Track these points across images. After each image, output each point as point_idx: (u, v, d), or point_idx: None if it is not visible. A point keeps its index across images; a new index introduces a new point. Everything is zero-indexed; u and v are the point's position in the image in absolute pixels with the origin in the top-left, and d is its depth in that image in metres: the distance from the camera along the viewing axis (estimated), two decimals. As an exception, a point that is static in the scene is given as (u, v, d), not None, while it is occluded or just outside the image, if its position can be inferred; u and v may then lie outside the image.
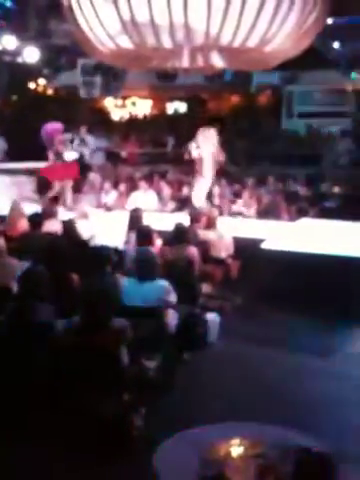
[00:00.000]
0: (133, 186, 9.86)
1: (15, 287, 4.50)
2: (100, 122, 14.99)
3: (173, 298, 4.67)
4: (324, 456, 2.35)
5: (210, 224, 6.51)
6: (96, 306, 3.77)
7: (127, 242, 6.16)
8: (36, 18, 11.69)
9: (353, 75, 12.52)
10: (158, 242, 5.93)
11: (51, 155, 9.09)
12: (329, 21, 11.36)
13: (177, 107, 18.25)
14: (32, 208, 7.16)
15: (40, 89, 15.70)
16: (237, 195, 9.51)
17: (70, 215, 7.17)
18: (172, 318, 4.70)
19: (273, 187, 9.80)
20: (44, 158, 11.40)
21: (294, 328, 5.64)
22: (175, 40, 6.71)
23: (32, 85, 15.36)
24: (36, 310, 3.98)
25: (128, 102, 17.94)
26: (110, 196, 9.61)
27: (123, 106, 18.01)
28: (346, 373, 4.80)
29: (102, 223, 7.31)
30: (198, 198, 8.41)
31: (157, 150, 15.37)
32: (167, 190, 9.59)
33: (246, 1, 6.29)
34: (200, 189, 8.45)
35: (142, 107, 18.15)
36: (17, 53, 11.88)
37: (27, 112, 14.05)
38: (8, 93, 14.54)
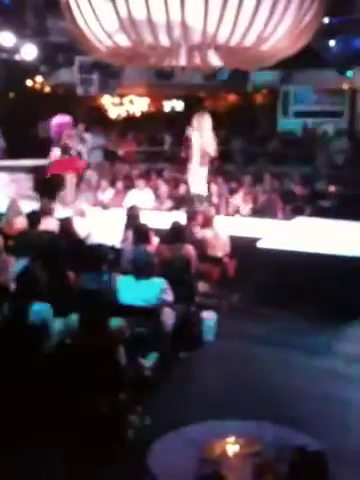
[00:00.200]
0: (130, 184, 9.86)
1: (12, 285, 4.51)
2: (97, 120, 14.97)
3: (170, 297, 4.68)
4: (319, 455, 2.37)
5: (207, 223, 6.52)
6: (93, 305, 3.78)
7: (124, 240, 6.17)
8: (33, 15, 11.65)
9: (349, 74, 12.52)
10: (155, 240, 5.94)
11: (57, 149, 8.99)
12: (325, 20, 11.38)
13: (174, 105, 18.24)
14: (30, 206, 7.15)
15: (37, 86, 15.66)
16: (233, 193, 9.52)
17: (68, 212, 7.17)
18: (169, 317, 4.71)
19: (269, 186, 9.81)
20: (41, 155, 11.38)
21: (290, 327, 5.66)
22: (172, 38, 6.70)
23: (29, 82, 15.32)
24: (33, 309, 3.98)
25: (125, 100, 17.91)
26: (107, 194, 9.60)
27: (120, 104, 17.98)
28: (343, 372, 4.82)
29: (99, 221, 7.31)
30: (197, 185, 8.40)
31: (154, 148, 15.36)
32: (164, 188, 9.58)
33: (243, 0, 6.30)
34: (198, 177, 8.43)
35: (139, 105, 18.13)
36: (14, 50, 11.84)
37: (24, 109, 14.02)
38: (5, 90, 14.49)
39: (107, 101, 17.70)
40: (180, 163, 9.19)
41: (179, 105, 18.15)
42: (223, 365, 4.95)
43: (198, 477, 2.52)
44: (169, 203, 9.22)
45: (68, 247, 5.25)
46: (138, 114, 18.12)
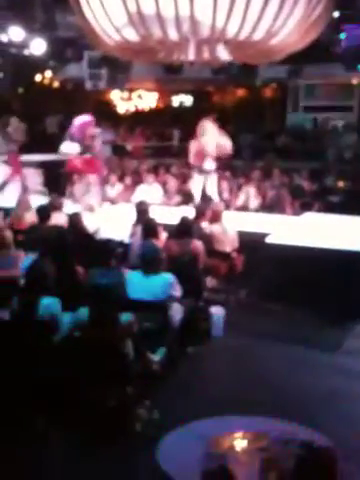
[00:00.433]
0: (138, 179, 9.87)
1: (21, 280, 4.53)
2: (106, 115, 14.97)
3: (178, 292, 4.69)
4: (327, 451, 2.37)
5: (215, 218, 6.51)
6: (102, 300, 3.80)
7: (132, 235, 6.18)
8: (42, 10, 11.65)
9: (359, 68, 12.42)
10: (163, 236, 5.95)
11: (78, 148, 8.98)
12: (335, 14, 11.30)
13: (183, 100, 18.20)
14: (39, 201, 7.18)
15: (46, 81, 15.68)
16: (242, 188, 9.51)
17: (77, 207, 7.18)
18: (177, 312, 4.72)
19: (278, 181, 9.79)
20: (50, 150, 11.39)
21: (298, 322, 5.66)
22: (181, 32, 6.68)
23: (38, 77, 15.34)
24: (42, 303, 4.01)
25: (134, 95, 17.90)
26: (115, 189, 9.61)
27: (129, 99, 17.97)
28: (350, 368, 4.82)
29: (108, 216, 7.33)
30: (196, 192, 8.49)
31: (163, 143, 15.35)
32: (172, 183, 9.58)
33: (252, -6, 6.27)
34: (199, 182, 8.51)
35: (148, 100, 18.11)
36: (23, 45, 11.86)
37: (33, 104, 14.05)
38: (14, 85, 14.52)
39: (116, 96, 17.71)
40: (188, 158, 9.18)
41: (188, 100, 18.11)
42: (231, 360, 4.96)
43: (205, 472, 2.53)
44: (177, 198, 9.22)
45: (77, 242, 5.27)
46: (147, 109, 18.11)
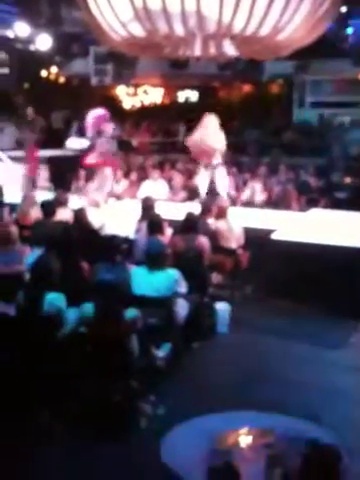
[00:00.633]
0: (144, 175, 9.85)
1: (27, 275, 4.54)
2: (112, 111, 14.97)
3: (183, 288, 4.69)
4: (332, 448, 2.36)
5: (221, 214, 6.50)
6: (107, 296, 3.80)
7: (138, 231, 6.17)
8: (48, 5, 11.65)
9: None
10: (168, 232, 5.94)
11: (85, 143, 8.96)
12: (342, 9, 11.24)
13: (188, 96, 18.16)
14: (45, 196, 7.18)
15: (52, 77, 15.68)
16: (247, 184, 9.48)
17: (82, 203, 7.17)
18: (182, 307, 4.71)
19: (284, 177, 9.75)
20: (55, 146, 11.40)
21: (304, 319, 5.64)
22: (187, 28, 6.65)
23: (44, 73, 15.35)
24: (47, 298, 4.01)
25: (140, 90, 17.88)
26: (121, 185, 9.60)
27: (135, 94, 17.95)
28: (356, 364, 4.80)
29: (113, 212, 7.32)
30: (202, 187, 8.46)
31: (168, 139, 15.33)
32: (178, 179, 9.56)
33: (259, -11, 6.23)
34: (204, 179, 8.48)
35: (153, 96, 18.09)
36: (29, 41, 11.86)
37: (39, 100, 14.04)
38: (20, 81, 14.52)
39: (121, 91, 17.69)
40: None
41: (193, 95, 18.07)
42: (236, 356, 4.95)
43: (210, 468, 2.52)
44: (183, 194, 9.20)
45: (82, 238, 5.27)
46: (152, 104, 18.08)
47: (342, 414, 3.94)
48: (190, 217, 5.92)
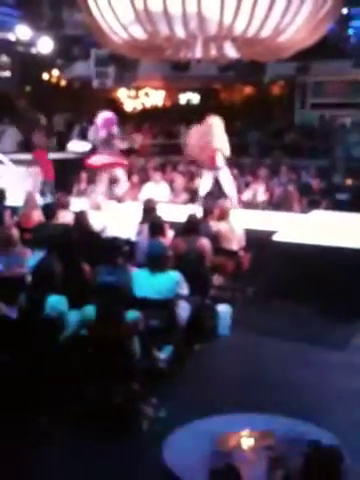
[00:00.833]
0: (145, 177, 9.86)
1: (28, 277, 4.54)
2: (113, 113, 14.99)
3: (185, 290, 4.68)
4: (334, 449, 2.36)
5: (223, 216, 6.50)
6: (109, 298, 3.80)
7: (139, 233, 6.18)
8: (49, 8, 11.69)
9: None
10: (170, 234, 5.94)
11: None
12: (344, 10, 11.25)
13: (190, 98, 18.18)
14: (47, 199, 7.19)
15: (53, 80, 15.72)
16: (249, 185, 9.49)
17: (84, 205, 7.18)
18: (183, 309, 4.71)
19: (285, 179, 9.75)
20: (57, 148, 11.39)
21: (306, 320, 5.64)
22: (188, 30, 6.67)
23: (46, 76, 15.39)
24: (49, 301, 4.01)
25: (141, 93, 17.90)
26: (122, 187, 9.60)
27: (136, 97, 17.97)
28: (356, 365, 4.79)
29: (114, 214, 7.33)
30: (204, 190, 8.47)
31: (170, 141, 15.34)
32: (179, 181, 9.57)
33: (260, -10, 6.24)
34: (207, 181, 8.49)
35: (155, 98, 18.11)
36: (31, 44, 11.89)
37: (41, 103, 14.07)
38: (22, 84, 14.57)
39: (123, 94, 17.72)
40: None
41: (195, 98, 18.09)
42: (237, 358, 4.95)
43: (212, 470, 2.52)
44: (184, 196, 9.20)
45: (83, 240, 5.27)
46: (154, 107, 18.10)
47: (343, 415, 3.93)
48: (191, 219, 5.92)
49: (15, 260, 5.10)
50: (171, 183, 9.53)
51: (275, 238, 6.35)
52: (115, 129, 8.87)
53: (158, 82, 16.59)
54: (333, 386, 4.41)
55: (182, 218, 6.05)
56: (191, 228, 5.78)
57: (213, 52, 7.31)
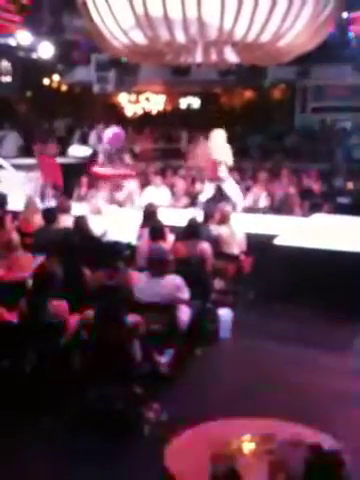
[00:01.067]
0: (146, 181, 9.87)
1: (29, 282, 4.54)
2: (114, 118, 15.05)
3: (185, 294, 4.68)
4: (335, 453, 2.35)
5: (223, 220, 6.50)
6: (109, 302, 3.80)
7: (140, 237, 6.18)
8: (50, 13, 11.73)
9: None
10: (170, 238, 5.94)
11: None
12: (344, 15, 11.28)
13: (190, 102, 18.22)
14: (48, 203, 7.20)
15: (54, 85, 15.76)
16: (250, 189, 9.49)
17: (84, 210, 7.18)
18: (184, 313, 4.71)
19: (286, 182, 9.75)
20: (58, 153, 11.39)
21: (307, 324, 5.63)
22: (189, 35, 6.69)
23: (46, 81, 15.43)
24: (49, 305, 4.01)
25: (142, 97, 17.94)
26: (123, 192, 9.61)
27: (137, 101, 18.01)
28: (357, 368, 4.78)
29: (115, 218, 7.33)
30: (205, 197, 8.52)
31: (170, 145, 15.37)
32: (180, 185, 9.58)
33: (260, -5, 6.26)
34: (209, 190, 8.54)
35: (155, 102, 18.15)
36: (31, 49, 11.92)
37: (41, 108, 14.11)
38: (22, 89, 14.60)
39: (123, 99, 17.75)
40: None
41: (195, 102, 18.13)
42: (239, 362, 4.94)
43: (213, 474, 2.51)
44: (185, 200, 9.21)
45: (83, 244, 5.28)
46: (154, 111, 18.14)
47: (345, 419, 3.92)
48: (192, 223, 5.93)
49: (16, 264, 5.09)
50: (172, 187, 9.55)
51: (276, 242, 6.35)
52: (122, 144, 8.97)
53: (159, 87, 16.63)
54: (334, 390, 4.39)
55: (183, 222, 6.05)
56: (192, 232, 5.78)
57: (213, 57, 7.33)
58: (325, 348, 5.14)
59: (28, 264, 5.02)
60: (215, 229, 6.37)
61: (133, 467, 3.43)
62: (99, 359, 3.74)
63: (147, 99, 18.05)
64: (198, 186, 9.49)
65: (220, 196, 8.35)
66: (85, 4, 7.09)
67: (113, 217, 7.35)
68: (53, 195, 9.22)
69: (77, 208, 7.38)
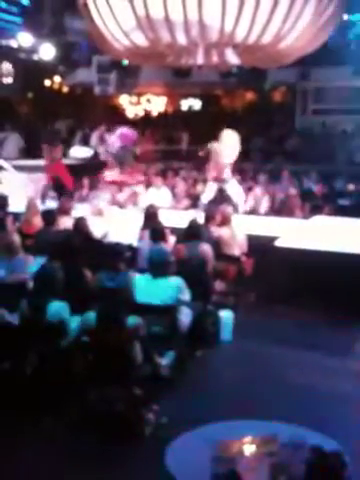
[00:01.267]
0: (147, 183, 9.88)
1: (30, 283, 4.54)
2: (115, 120, 15.06)
3: (186, 295, 4.68)
4: (336, 455, 2.35)
5: (224, 221, 6.50)
6: (110, 304, 3.80)
7: (141, 239, 6.18)
8: (51, 15, 11.76)
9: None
10: (172, 239, 5.94)
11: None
12: (344, 17, 11.29)
13: (191, 104, 18.24)
14: (49, 205, 7.20)
15: (55, 86, 15.78)
16: (251, 191, 9.49)
17: (85, 211, 7.18)
18: (185, 315, 4.71)
19: (287, 184, 9.76)
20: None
21: (308, 326, 5.62)
22: (190, 37, 6.72)
23: (48, 82, 15.45)
24: (50, 307, 4.01)
25: (143, 99, 17.96)
26: (124, 193, 9.62)
27: (138, 103, 18.03)
28: (358, 371, 4.78)
29: (117, 220, 7.34)
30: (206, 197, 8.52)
31: (171, 147, 15.38)
32: (181, 187, 9.59)
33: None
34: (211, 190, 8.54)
35: (157, 104, 18.17)
36: (33, 50, 11.95)
37: (43, 109, 14.13)
38: (24, 90, 14.63)
39: (124, 100, 17.77)
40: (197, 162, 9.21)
41: (196, 104, 18.15)
42: (240, 364, 4.94)
43: (214, 476, 2.51)
44: (186, 202, 9.21)
45: (84, 246, 5.27)
46: (155, 113, 18.15)
47: (346, 422, 3.92)
48: (193, 224, 5.92)
49: (17, 266, 5.10)
50: (173, 189, 9.55)
51: (277, 244, 6.35)
52: (132, 147, 8.98)
53: (160, 88, 16.65)
54: (336, 392, 4.39)
55: (184, 224, 6.05)
56: (193, 234, 5.78)
57: (214, 58, 7.36)
58: (326, 350, 5.13)
59: (29, 266, 5.01)
60: (216, 231, 6.37)
61: (133, 468, 3.43)
62: (100, 361, 3.74)
63: (148, 101, 18.07)
64: (199, 187, 9.49)
65: (221, 197, 8.34)
66: (86, 6, 7.11)
67: (114, 218, 7.36)
68: (54, 196, 9.23)
69: (79, 209, 7.38)
